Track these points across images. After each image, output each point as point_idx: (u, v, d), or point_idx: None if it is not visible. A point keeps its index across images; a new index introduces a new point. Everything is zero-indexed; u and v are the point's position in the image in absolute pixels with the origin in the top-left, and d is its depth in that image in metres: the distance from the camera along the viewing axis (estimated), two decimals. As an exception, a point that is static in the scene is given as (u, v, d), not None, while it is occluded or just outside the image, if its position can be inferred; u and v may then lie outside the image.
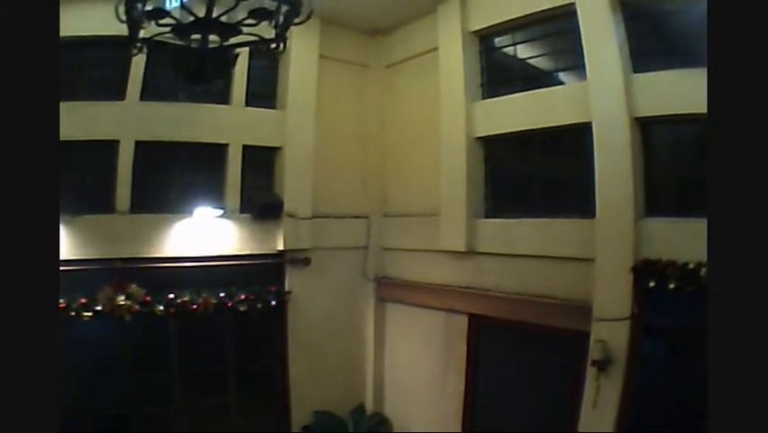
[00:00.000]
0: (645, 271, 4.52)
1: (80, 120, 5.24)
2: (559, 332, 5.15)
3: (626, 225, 4.68)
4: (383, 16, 6.74)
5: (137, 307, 5.52)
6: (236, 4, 2.59)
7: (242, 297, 6.03)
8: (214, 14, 2.64)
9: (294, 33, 6.31)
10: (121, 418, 5.58)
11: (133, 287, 5.55)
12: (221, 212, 6.06)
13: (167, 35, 2.75)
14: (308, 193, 6.49)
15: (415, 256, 6.61)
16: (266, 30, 2.78)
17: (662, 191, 4.79)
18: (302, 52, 6.48)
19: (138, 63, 5.38)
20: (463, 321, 6.02)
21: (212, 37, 2.75)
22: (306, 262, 6.48)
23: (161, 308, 5.65)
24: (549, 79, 5.67)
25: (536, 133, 5.59)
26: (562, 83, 5.57)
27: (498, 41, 6.19)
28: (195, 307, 5.79)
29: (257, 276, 6.21)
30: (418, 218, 6.59)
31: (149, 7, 2.67)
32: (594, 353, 4.67)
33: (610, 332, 4.66)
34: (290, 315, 6.44)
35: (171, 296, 5.70)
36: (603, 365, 4.63)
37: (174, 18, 2.64)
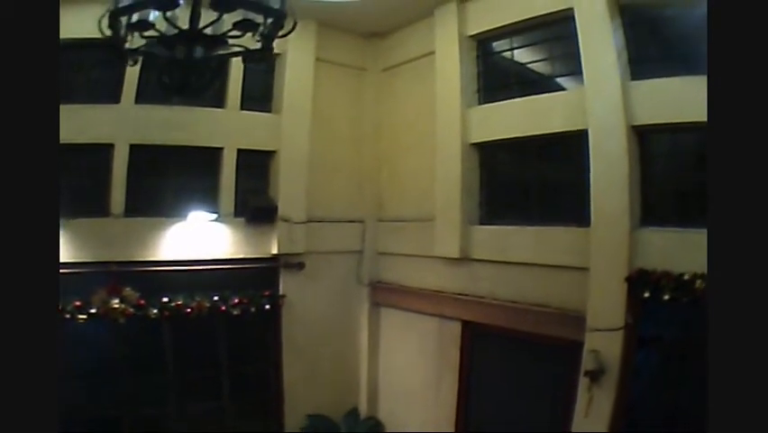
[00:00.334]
0: (640, 282, 4.47)
1: (75, 123, 5.22)
2: (552, 341, 5.12)
3: (621, 235, 4.63)
4: (380, 19, 6.67)
5: (131, 310, 5.52)
6: (220, 17, 2.55)
7: (236, 301, 6.02)
8: (200, 26, 2.61)
9: (290, 36, 6.29)
10: (115, 420, 5.60)
11: (128, 290, 5.55)
12: (215, 216, 6.05)
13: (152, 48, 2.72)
14: (303, 197, 6.47)
15: (410, 261, 6.58)
16: (252, 40, 2.75)
17: (658, 201, 4.74)
18: (298, 55, 6.44)
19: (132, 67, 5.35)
20: (457, 327, 6.00)
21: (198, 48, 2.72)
22: (301, 266, 6.47)
23: (155, 311, 5.65)
24: (546, 85, 5.61)
25: (532, 140, 5.54)
26: (559, 88, 5.50)
27: (495, 45, 6.13)
28: (189, 310, 5.79)
29: (251, 280, 6.20)
30: (413, 223, 6.56)
31: (133, 19, 2.64)
32: (587, 363, 4.63)
33: (604, 342, 4.63)
34: (284, 319, 6.43)
35: (165, 299, 5.70)
36: (596, 376, 4.59)
37: (158, 30, 2.61)
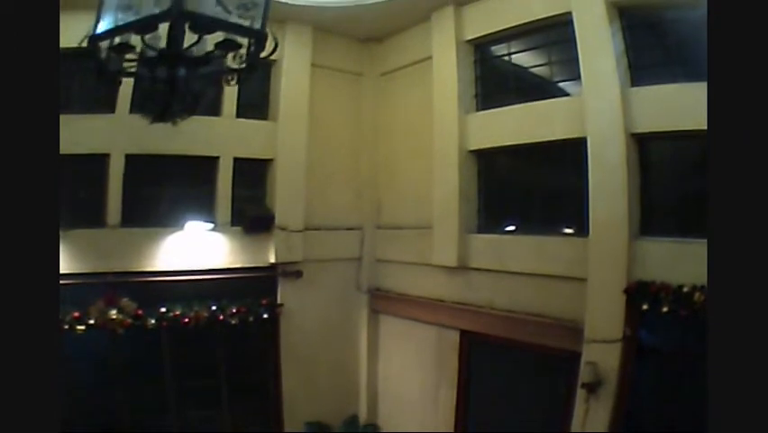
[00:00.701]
0: (639, 294, 4.41)
1: (70, 133, 5.17)
2: (550, 351, 5.06)
3: (619, 245, 4.56)
4: (377, 23, 6.58)
5: (129, 320, 5.53)
6: (199, 39, 2.51)
7: (234, 310, 6.00)
8: (183, 47, 2.57)
9: (286, 42, 6.26)
10: (113, 431, 5.62)
11: (125, 300, 5.55)
12: (212, 225, 6.03)
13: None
14: (300, 205, 6.43)
15: (408, 269, 6.54)
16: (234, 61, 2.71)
17: (657, 210, 4.65)
18: (294, 61, 6.39)
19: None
20: (455, 336, 5.95)
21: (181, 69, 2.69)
22: (298, 274, 6.44)
23: (153, 321, 5.65)
24: (545, 90, 5.52)
25: (531, 147, 5.46)
26: (558, 94, 5.41)
27: (493, 50, 6.04)
28: (187, 320, 5.78)
29: (249, 289, 6.18)
30: (412, 231, 6.51)
31: (115, 42, 2.61)
32: (584, 375, 4.58)
33: (602, 354, 4.57)
34: (283, 327, 6.41)
35: (163, 309, 5.70)
36: (593, 388, 4.55)
37: (138, 53, 2.58)
